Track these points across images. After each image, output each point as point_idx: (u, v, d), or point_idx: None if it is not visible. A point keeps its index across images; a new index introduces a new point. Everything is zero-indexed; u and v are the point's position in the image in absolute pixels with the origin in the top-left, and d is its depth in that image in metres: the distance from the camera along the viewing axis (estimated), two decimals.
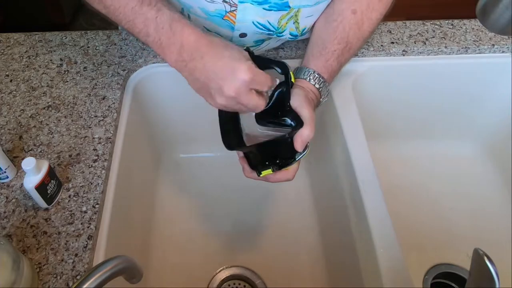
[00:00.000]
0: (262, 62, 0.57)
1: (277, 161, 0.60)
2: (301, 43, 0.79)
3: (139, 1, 0.54)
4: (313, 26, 0.69)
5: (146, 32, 0.54)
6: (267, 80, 0.53)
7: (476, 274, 0.39)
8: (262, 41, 0.71)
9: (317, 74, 0.63)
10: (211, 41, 0.53)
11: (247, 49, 0.57)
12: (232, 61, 0.51)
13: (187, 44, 0.52)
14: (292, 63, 0.77)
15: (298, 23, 0.67)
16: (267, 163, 0.59)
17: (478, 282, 0.39)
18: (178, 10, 0.66)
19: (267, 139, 0.58)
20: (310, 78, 0.63)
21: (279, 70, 0.59)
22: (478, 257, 0.38)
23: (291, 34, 0.69)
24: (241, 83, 0.51)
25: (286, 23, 0.65)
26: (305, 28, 0.69)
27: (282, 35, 0.68)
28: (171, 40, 0.53)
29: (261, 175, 0.59)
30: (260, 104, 0.54)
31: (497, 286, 0.37)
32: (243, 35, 0.67)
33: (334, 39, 0.64)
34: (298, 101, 0.58)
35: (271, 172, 0.59)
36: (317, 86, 0.63)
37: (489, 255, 0.38)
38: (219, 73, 0.51)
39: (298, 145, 0.57)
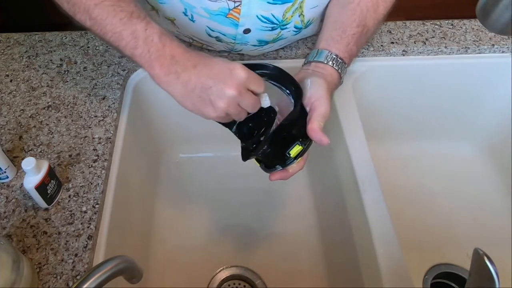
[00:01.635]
0: (281, 75, 0.57)
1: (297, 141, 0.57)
2: (301, 43, 0.79)
3: (128, 13, 0.53)
4: (320, 16, 0.69)
5: (135, 44, 0.53)
6: (260, 81, 0.53)
7: (476, 274, 0.39)
8: (266, 42, 0.71)
9: (340, 58, 0.62)
10: (199, 52, 0.54)
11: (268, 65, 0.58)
12: (227, 63, 0.52)
13: (177, 55, 0.52)
14: (292, 63, 0.78)
15: (303, 15, 0.67)
16: (292, 144, 0.56)
17: (478, 282, 0.39)
18: (181, 11, 0.66)
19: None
20: (334, 63, 0.62)
21: (290, 93, 0.57)
22: (478, 257, 0.38)
23: (295, 27, 0.69)
24: (240, 80, 0.50)
25: (291, 16, 0.66)
26: (309, 21, 0.69)
27: (286, 28, 0.68)
28: (160, 52, 0.52)
29: (291, 155, 0.56)
30: (257, 103, 0.53)
31: (497, 286, 0.37)
32: (247, 31, 0.67)
33: (353, 21, 0.63)
34: (319, 95, 0.57)
35: (302, 148, 0.56)
36: (339, 71, 0.62)
37: (489, 255, 0.38)
38: (217, 76, 0.51)
39: (316, 129, 0.55)
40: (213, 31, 0.68)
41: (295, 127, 0.56)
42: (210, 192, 0.90)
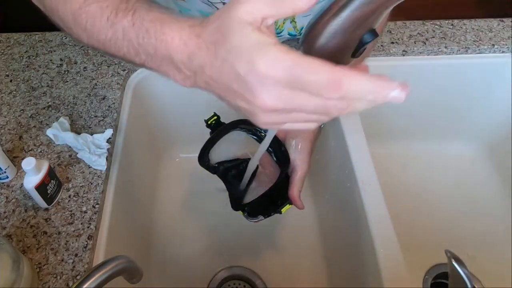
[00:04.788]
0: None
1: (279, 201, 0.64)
2: (296, 43, 0.79)
3: (114, 8, 0.38)
4: None
5: (133, 51, 0.38)
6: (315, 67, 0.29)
7: (452, 276, 0.39)
8: None
9: None
10: (202, 38, 0.33)
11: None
12: (241, 56, 0.30)
13: (175, 53, 0.34)
14: None
15: (295, 22, 0.67)
16: (285, 200, 0.64)
17: (455, 283, 0.39)
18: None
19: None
20: None
21: (276, 159, 0.64)
22: (449, 259, 0.38)
23: (289, 34, 0.69)
24: (273, 85, 0.29)
25: (283, 23, 0.66)
26: (302, 27, 0.69)
27: (281, 35, 0.68)
28: (158, 52, 0.35)
29: (282, 212, 0.63)
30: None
31: (468, 286, 0.37)
32: None
33: None
34: (301, 158, 0.63)
35: (290, 206, 0.64)
36: (321, 126, 0.67)
37: (458, 257, 0.38)
38: (232, 85, 0.31)
39: (295, 196, 0.62)
40: None
41: (281, 189, 0.63)
42: (210, 192, 0.90)
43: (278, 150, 0.65)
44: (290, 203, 0.64)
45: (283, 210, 0.64)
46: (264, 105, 0.30)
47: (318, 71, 0.27)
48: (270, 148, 0.65)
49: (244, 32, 0.29)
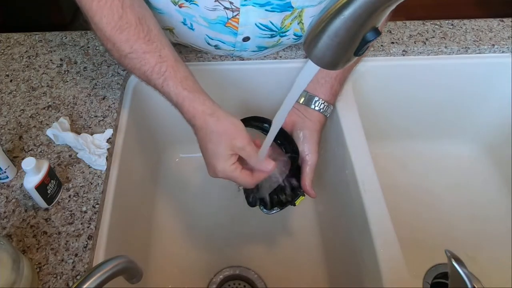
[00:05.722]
0: (282, 134, 0.64)
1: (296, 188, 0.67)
2: (301, 43, 0.79)
3: (151, 67, 0.56)
4: None
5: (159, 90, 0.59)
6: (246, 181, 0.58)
7: (452, 276, 0.40)
8: (265, 48, 0.72)
9: (326, 103, 0.68)
10: (200, 129, 0.58)
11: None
12: (211, 158, 0.57)
13: (192, 118, 0.59)
14: (292, 63, 0.78)
15: (302, 23, 0.67)
16: (298, 192, 0.67)
17: (455, 283, 0.39)
18: (180, 21, 0.65)
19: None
20: (321, 109, 0.68)
21: (287, 152, 0.66)
22: (449, 259, 0.38)
23: (295, 35, 0.69)
24: (220, 174, 0.58)
25: (290, 23, 0.66)
26: None
27: (286, 35, 0.68)
28: (179, 108, 0.59)
29: (296, 204, 0.66)
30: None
31: (468, 286, 0.37)
32: (246, 39, 0.67)
33: None
34: (310, 148, 0.66)
35: (304, 197, 0.66)
36: (326, 114, 0.69)
37: (458, 257, 0.38)
38: (204, 152, 0.59)
39: (308, 186, 0.65)
40: (212, 39, 0.68)
41: (293, 180, 0.65)
42: (210, 192, 0.90)
43: (287, 142, 0.66)
44: (303, 195, 0.66)
45: (297, 202, 0.65)
46: (209, 171, 0.60)
47: (241, 180, 0.57)
48: (278, 141, 0.66)
49: (224, 151, 0.56)
